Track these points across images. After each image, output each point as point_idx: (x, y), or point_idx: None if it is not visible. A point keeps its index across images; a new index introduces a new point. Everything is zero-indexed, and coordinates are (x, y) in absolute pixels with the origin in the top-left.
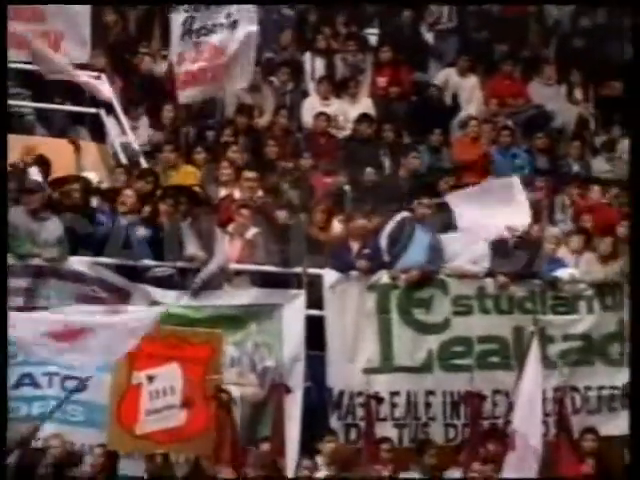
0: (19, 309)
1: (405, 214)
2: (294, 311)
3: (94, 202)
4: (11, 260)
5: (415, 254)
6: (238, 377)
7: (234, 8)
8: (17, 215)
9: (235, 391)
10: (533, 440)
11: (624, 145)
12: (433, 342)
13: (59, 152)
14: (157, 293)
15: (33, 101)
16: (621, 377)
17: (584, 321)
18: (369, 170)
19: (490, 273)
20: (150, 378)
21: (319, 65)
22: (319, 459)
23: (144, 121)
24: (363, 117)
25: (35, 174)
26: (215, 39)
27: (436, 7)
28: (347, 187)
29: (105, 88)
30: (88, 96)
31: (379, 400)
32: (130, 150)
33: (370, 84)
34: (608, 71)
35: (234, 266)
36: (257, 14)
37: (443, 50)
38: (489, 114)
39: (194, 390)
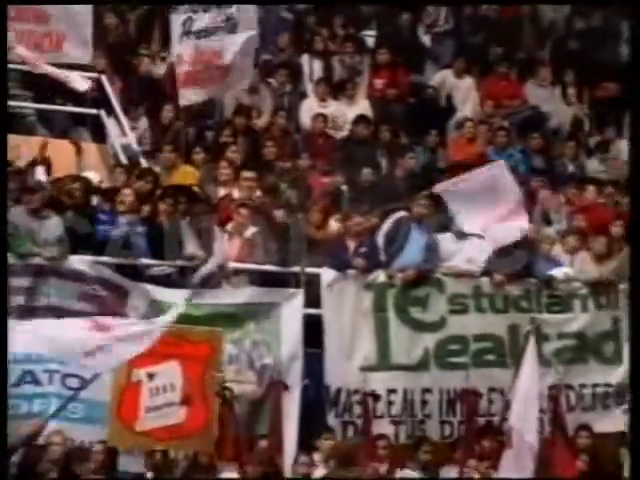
0: (20, 308)
1: (402, 213)
2: (292, 309)
3: (94, 202)
4: (12, 259)
5: (411, 253)
6: (236, 375)
7: (234, 11)
8: (18, 214)
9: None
10: (529, 437)
11: (618, 146)
12: (429, 340)
13: (60, 152)
14: (156, 292)
15: (34, 102)
16: (615, 375)
17: (579, 320)
18: (366, 170)
19: (486, 272)
20: (150, 375)
21: (317, 67)
22: (316, 456)
23: (144, 122)
24: (360, 118)
25: (41, 173)
26: (215, 41)
27: (433, 10)
28: (344, 187)
29: (80, 81)
30: (89, 97)
31: (376, 398)
32: (130, 150)
33: (367, 86)
34: (602, 73)
35: (233, 265)
36: (257, 16)
37: (439, 52)
38: (485, 115)
39: (194, 388)
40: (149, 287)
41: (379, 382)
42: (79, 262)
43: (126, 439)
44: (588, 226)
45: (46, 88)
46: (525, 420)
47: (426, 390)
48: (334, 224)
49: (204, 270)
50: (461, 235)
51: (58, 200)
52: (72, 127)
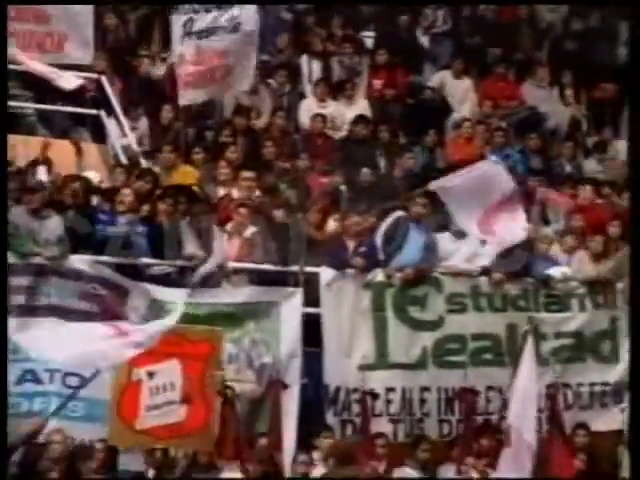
0: (21, 308)
1: (400, 213)
2: (291, 309)
3: (94, 201)
4: (12, 259)
5: (410, 252)
6: (236, 374)
7: (236, 12)
8: (18, 214)
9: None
10: (528, 436)
11: (616, 146)
12: (428, 339)
13: (60, 152)
14: (156, 291)
15: (35, 102)
16: (613, 374)
17: (576, 319)
18: (365, 170)
19: (484, 271)
20: (150, 374)
21: (316, 67)
22: (315, 454)
23: (144, 122)
24: (359, 118)
25: (42, 173)
26: (216, 42)
27: (431, 11)
28: (343, 187)
29: (68, 79)
30: (89, 98)
31: (374, 396)
32: (130, 150)
33: (366, 86)
34: (600, 73)
35: (232, 264)
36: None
37: (438, 53)
38: (483, 115)
39: (193, 387)
40: (149, 286)
41: (378, 381)
42: (79, 261)
43: (126, 438)
44: (586, 226)
45: (46, 88)
46: (524, 419)
47: (424, 389)
48: (333, 224)
49: (203, 269)
50: (459, 234)
51: (58, 200)
52: (72, 127)
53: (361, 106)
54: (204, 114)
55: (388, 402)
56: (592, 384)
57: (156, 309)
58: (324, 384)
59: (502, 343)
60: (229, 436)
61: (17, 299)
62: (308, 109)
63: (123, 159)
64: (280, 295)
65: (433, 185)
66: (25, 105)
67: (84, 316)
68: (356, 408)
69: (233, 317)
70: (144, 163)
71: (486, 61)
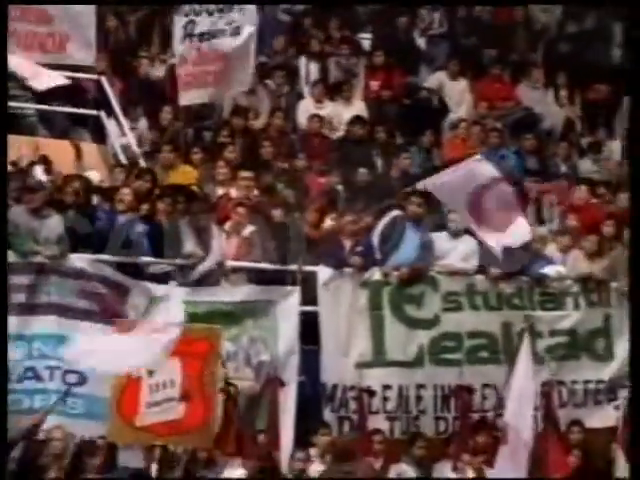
0: (21, 306)
1: (396, 212)
2: (289, 307)
3: (94, 201)
4: (13, 257)
5: (406, 251)
6: (234, 371)
7: (236, 15)
8: (19, 213)
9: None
10: (524, 433)
11: (610, 147)
12: (424, 337)
13: (60, 152)
14: (156, 290)
15: (36, 103)
16: (606, 371)
17: (571, 317)
18: (362, 170)
19: (480, 270)
20: (150, 372)
21: (313, 68)
22: (313, 451)
23: (143, 122)
24: (356, 119)
25: (39, 173)
26: (216, 45)
27: (428, 13)
28: (340, 187)
29: (45, 79)
30: (90, 98)
31: (371, 394)
32: (129, 150)
33: (363, 87)
34: (594, 75)
35: (231, 263)
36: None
37: (434, 54)
38: (479, 116)
39: (193, 384)
40: (149, 285)
41: (374, 378)
42: (79, 260)
43: (126, 434)
44: (580, 225)
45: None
46: (520, 417)
47: (421, 386)
48: (330, 223)
49: (202, 268)
50: (455, 234)
51: (59, 199)
52: (73, 128)
53: (358, 107)
54: (203, 115)
55: (385, 399)
56: (586, 381)
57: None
58: (321, 382)
59: (497, 341)
60: (231, 433)
61: (17, 297)
62: (306, 110)
63: (123, 159)
64: (278, 294)
65: (421, 184)
66: (25, 105)
67: (84, 314)
68: (353, 405)
69: (231, 315)
70: (143, 163)
71: (482, 62)
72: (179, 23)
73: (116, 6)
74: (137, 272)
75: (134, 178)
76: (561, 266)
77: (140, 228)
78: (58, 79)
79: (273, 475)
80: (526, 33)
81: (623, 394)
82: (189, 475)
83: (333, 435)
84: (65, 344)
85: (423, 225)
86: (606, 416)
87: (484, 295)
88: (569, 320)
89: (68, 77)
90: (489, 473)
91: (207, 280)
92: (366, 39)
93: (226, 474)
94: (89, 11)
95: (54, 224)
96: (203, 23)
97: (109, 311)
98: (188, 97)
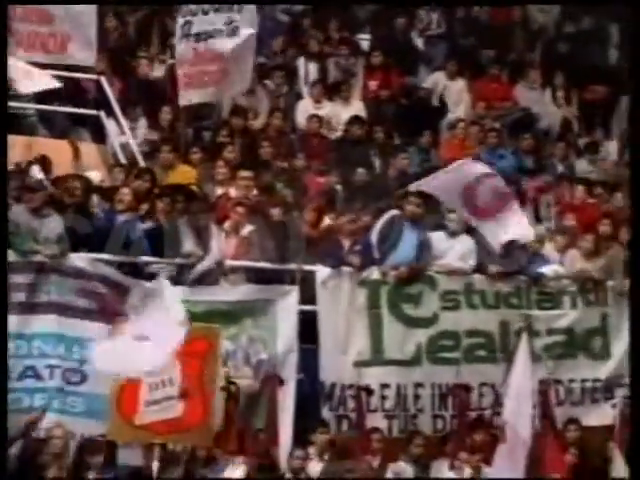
0: (21, 305)
1: (394, 212)
2: (287, 306)
3: (94, 200)
4: (13, 257)
5: (404, 251)
6: (233, 370)
7: (235, 16)
8: (19, 213)
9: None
10: (523, 432)
11: (607, 147)
12: (422, 336)
13: (60, 152)
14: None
15: (35, 103)
16: (603, 370)
17: (568, 316)
18: (360, 170)
19: (478, 269)
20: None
21: (312, 69)
22: (311, 449)
23: (142, 122)
24: (354, 119)
25: (37, 172)
26: (215, 44)
27: (426, 14)
28: (339, 186)
29: (28, 83)
30: (90, 98)
31: (369, 392)
32: (129, 150)
33: (361, 87)
34: (591, 75)
35: (230, 262)
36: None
37: (432, 55)
38: (476, 116)
39: (192, 383)
40: (148, 284)
41: (373, 377)
42: (79, 259)
43: (125, 433)
44: (577, 225)
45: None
46: (519, 416)
47: (419, 385)
48: (329, 222)
49: (201, 267)
50: (453, 233)
51: (59, 199)
52: (72, 127)
53: (356, 107)
54: (202, 115)
55: (383, 398)
56: (583, 380)
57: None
58: (320, 380)
59: (495, 340)
60: (232, 431)
61: (17, 296)
62: (304, 110)
63: (122, 159)
64: (277, 293)
65: (413, 186)
66: (25, 105)
67: (84, 313)
68: (351, 404)
69: (230, 314)
70: (143, 163)
71: (480, 63)
72: (179, 23)
73: (116, 6)
74: (137, 271)
75: (133, 178)
76: (558, 265)
77: (139, 228)
78: (49, 82)
79: (272, 472)
80: (524, 34)
81: (620, 393)
82: (189, 474)
83: (331, 433)
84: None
85: (421, 225)
86: (603, 414)
87: (482, 294)
88: (566, 319)
89: (68, 77)
90: (487, 471)
91: (206, 279)
92: (365, 40)
93: (226, 472)
94: (90, 11)
95: (54, 223)
96: (199, 23)
97: (108, 310)
98: (188, 97)
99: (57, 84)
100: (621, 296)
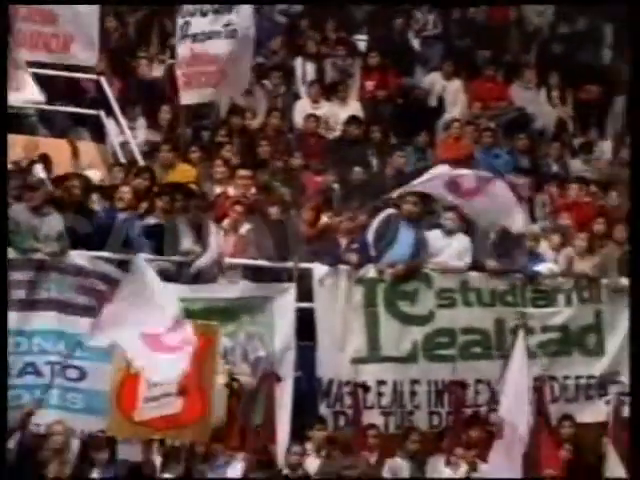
0: (22, 302)
1: (391, 211)
2: (285, 304)
3: (94, 199)
4: (13, 254)
5: (401, 249)
6: (231, 367)
7: (233, 17)
8: (19, 211)
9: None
10: (520, 428)
11: (601, 147)
12: (418, 333)
13: (60, 151)
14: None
15: (35, 102)
16: (597, 367)
17: (562, 313)
18: (357, 169)
19: (473, 267)
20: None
21: (310, 69)
22: (308, 445)
23: (142, 122)
24: (352, 119)
25: (39, 171)
26: (213, 46)
27: (422, 15)
28: (336, 185)
29: (18, 96)
30: (90, 98)
31: (366, 389)
32: (128, 149)
33: (359, 88)
34: (585, 75)
35: (228, 260)
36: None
37: (429, 55)
38: (472, 116)
39: (190, 379)
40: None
41: (369, 374)
42: (79, 257)
43: (125, 429)
44: (572, 224)
45: (47, 89)
46: (516, 412)
47: (415, 382)
48: (326, 221)
49: (198, 263)
50: (449, 231)
51: (59, 197)
52: (72, 127)
53: (354, 107)
54: (201, 114)
55: (379, 395)
56: (578, 377)
57: None
58: (317, 377)
59: (490, 337)
60: (235, 427)
61: (18, 294)
62: (302, 110)
63: (122, 158)
64: (274, 290)
65: (396, 193)
66: (26, 105)
67: (84, 311)
68: (348, 400)
69: (228, 312)
70: (142, 162)
71: (475, 63)
72: (177, 24)
73: (116, 7)
74: None
75: (133, 176)
76: (553, 263)
77: (138, 226)
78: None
79: (269, 468)
80: (519, 34)
81: (614, 389)
82: (188, 470)
83: (329, 430)
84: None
85: (417, 223)
86: (597, 411)
87: (477, 292)
88: (561, 316)
89: (68, 77)
90: (484, 467)
91: (204, 277)
92: (362, 40)
93: (225, 468)
94: (93, 12)
95: (54, 222)
96: (198, 24)
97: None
98: (187, 97)
99: (42, 98)
100: (615, 293)
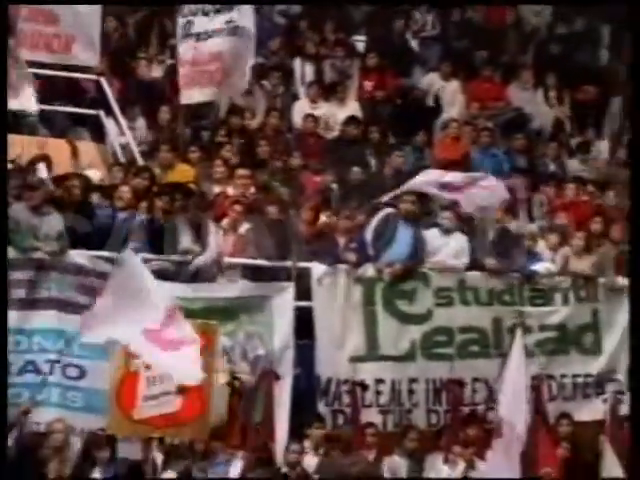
0: (22, 301)
1: (389, 210)
2: (284, 302)
3: (94, 198)
4: (13, 253)
5: (399, 248)
6: (231, 365)
7: (234, 15)
8: (19, 211)
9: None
10: (518, 427)
11: (598, 147)
12: (416, 332)
13: (60, 151)
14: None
15: (36, 103)
16: (595, 365)
17: (560, 312)
18: (356, 169)
19: (471, 266)
20: (147, 366)
21: (308, 70)
22: (307, 443)
23: (141, 122)
24: (350, 119)
25: (42, 171)
26: (214, 44)
27: (420, 16)
28: (335, 185)
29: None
30: (89, 98)
31: (364, 387)
32: (128, 149)
33: (357, 88)
34: (582, 76)
35: (227, 259)
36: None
37: (427, 56)
38: (470, 116)
39: None
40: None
41: (368, 372)
42: (79, 256)
43: (124, 427)
44: (569, 223)
45: (47, 89)
46: (515, 411)
47: (413, 380)
48: (325, 220)
49: (197, 261)
50: (447, 231)
51: (59, 197)
52: (72, 127)
53: (352, 107)
54: (200, 114)
55: (378, 393)
56: (575, 375)
57: None
58: (316, 375)
59: (488, 336)
60: (237, 426)
61: (18, 293)
62: (301, 110)
63: (121, 157)
64: (273, 289)
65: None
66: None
67: (83, 309)
68: (347, 399)
69: (228, 311)
70: (141, 161)
71: (473, 64)
72: (179, 23)
73: (115, 8)
74: None
75: (132, 176)
76: (550, 263)
77: (138, 225)
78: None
79: (268, 466)
80: (517, 35)
81: (611, 388)
82: (188, 468)
83: (327, 428)
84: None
85: (415, 222)
86: (594, 409)
87: (475, 291)
88: (558, 315)
89: (68, 77)
90: (483, 466)
91: (203, 276)
92: (360, 41)
93: (224, 466)
94: (94, 12)
95: (54, 221)
96: (200, 23)
97: None
98: (190, 96)
99: (35, 107)
100: (612, 292)
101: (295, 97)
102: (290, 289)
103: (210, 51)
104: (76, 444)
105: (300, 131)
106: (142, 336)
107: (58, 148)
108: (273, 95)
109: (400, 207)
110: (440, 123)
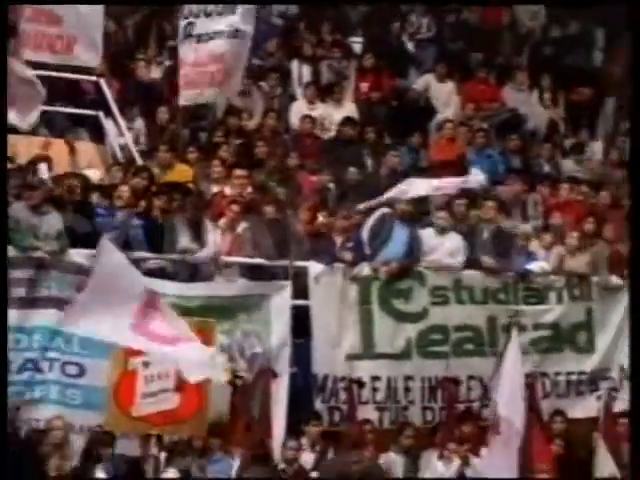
0: (22, 300)
1: (385, 210)
2: (281, 301)
3: (93, 198)
4: (13, 252)
5: (395, 247)
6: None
7: (235, 18)
8: (19, 210)
9: (225, 376)
10: (517, 424)
11: (592, 147)
12: (412, 330)
13: (59, 151)
14: (153, 284)
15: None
16: (588, 363)
17: (554, 311)
18: (352, 169)
19: (466, 266)
20: (145, 364)
21: (306, 71)
22: (304, 440)
23: (140, 123)
24: (347, 120)
25: (44, 171)
26: (216, 45)
27: (416, 18)
28: (331, 185)
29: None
30: (89, 99)
31: (361, 385)
32: (127, 150)
33: (353, 89)
34: (577, 78)
35: (224, 258)
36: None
37: (422, 58)
38: (465, 117)
39: None
40: (146, 279)
41: (364, 370)
42: (78, 255)
43: (123, 424)
44: (563, 222)
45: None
46: (513, 408)
47: (409, 378)
48: (321, 220)
49: (194, 260)
50: (442, 230)
51: (58, 196)
52: (72, 127)
53: (349, 108)
54: (198, 115)
55: (374, 390)
56: (569, 373)
57: None
58: (313, 373)
59: (483, 334)
60: (240, 424)
61: (18, 291)
62: (298, 111)
63: (120, 158)
64: (270, 288)
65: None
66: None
67: None
68: (343, 396)
69: (225, 309)
70: (140, 161)
71: (468, 65)
72: (180, 24)
73: (115, 9)
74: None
75: (131, 176)
76: (545, 262)
77: (137, 224)
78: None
79: (265, 463)
80: (511, 37)
81: (604, 385)
82: (188, 470)
83: (324, 425)
84: None
85: (411, 222)
86: (588, 407)
87: (470, 290)
88: (552, 314)
89: (67, 78)
90: (481, 462)
91: (201, 275)
92: (357, 43)
93: (222, 462)
94: (97, 13)
95: (54, 220)
96: (201, 25)
97: None
98: (190, 97)
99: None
100: (606, 291)
101: (292, 98)
102: (287, 288)
103: (211, 52)
104: (75, 441)
105: (297, 132)
106: (130, 330)
107: (58, 148)
108: (270, 96)
109: (396, 207)
110: (435, 124)
